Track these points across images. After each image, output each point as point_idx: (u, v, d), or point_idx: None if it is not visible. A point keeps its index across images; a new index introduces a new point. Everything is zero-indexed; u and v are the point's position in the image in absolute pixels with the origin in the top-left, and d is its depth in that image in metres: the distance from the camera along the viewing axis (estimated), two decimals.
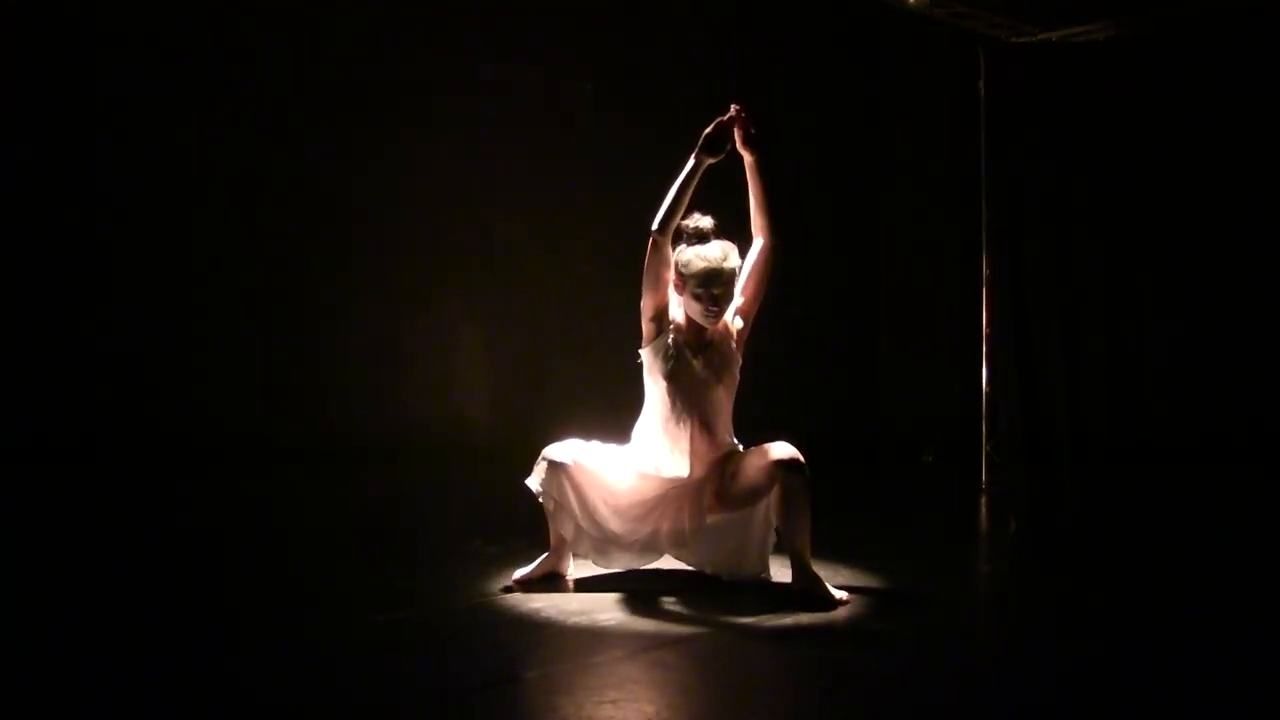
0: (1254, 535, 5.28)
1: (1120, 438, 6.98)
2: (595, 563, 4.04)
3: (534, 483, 3.93)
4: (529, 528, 4.74)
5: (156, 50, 5.79)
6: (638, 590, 3.93)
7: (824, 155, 7.83)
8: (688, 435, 3.91)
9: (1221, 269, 6.75)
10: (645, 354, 3.95)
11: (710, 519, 3.95)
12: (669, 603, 3.80)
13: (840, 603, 3.77)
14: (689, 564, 4.13)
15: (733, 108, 3.89)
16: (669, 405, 3.91)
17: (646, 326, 3.93)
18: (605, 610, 3.71)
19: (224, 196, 5.99)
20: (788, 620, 3.67)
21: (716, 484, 3.95)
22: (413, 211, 6.38)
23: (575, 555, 4.02)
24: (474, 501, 5.94)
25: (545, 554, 4.03)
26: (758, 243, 3.95)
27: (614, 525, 3.93)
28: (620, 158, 6.68)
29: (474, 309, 6.61)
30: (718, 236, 3.91)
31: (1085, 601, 4.05)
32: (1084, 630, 3.65)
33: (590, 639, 3.44)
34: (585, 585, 3.99)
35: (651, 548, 4.00)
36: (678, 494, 3.93)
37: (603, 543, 3.96)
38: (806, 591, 3.79)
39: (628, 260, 6.34)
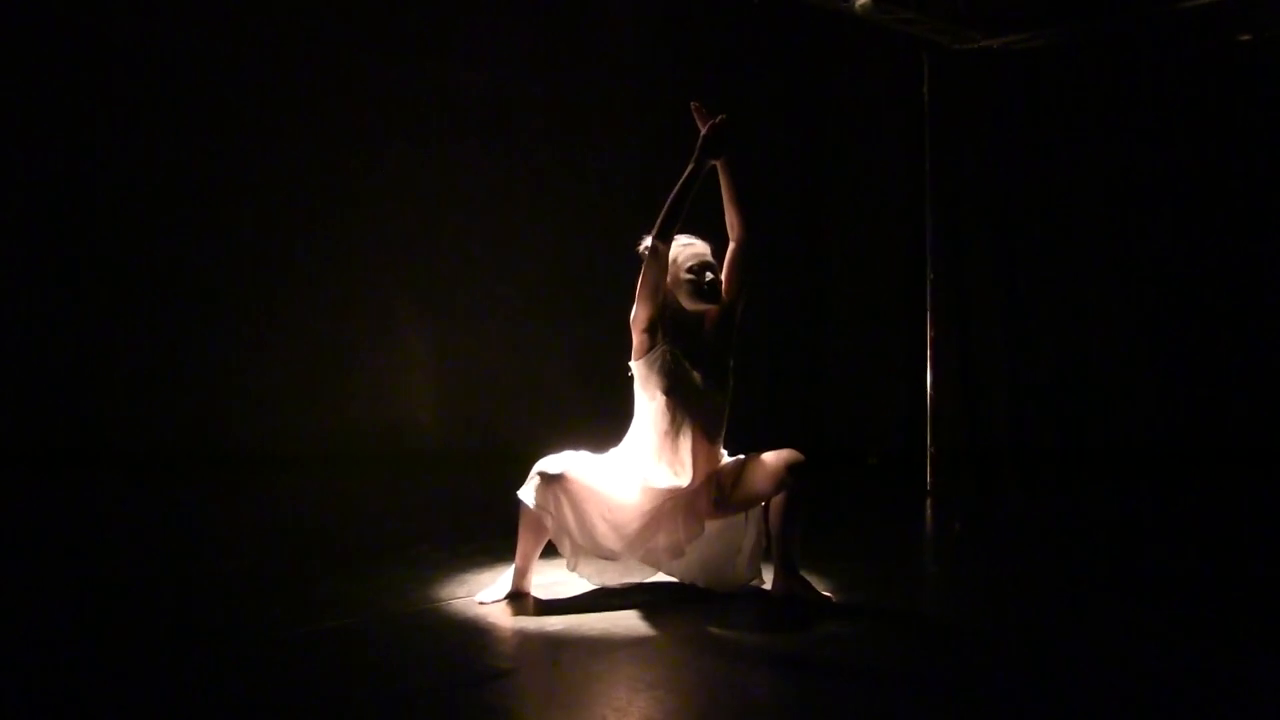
0: (1193, 534, 5.38)
1: (1062, 439, 7.07)
2: (591, 581, 3.97)
3: (528, 497, 3.79)
4: (476, 533, 4.72)
5: (101, 53, 5.69)
6: (588, 596, 3.92)
7: (767, 160, 7.86)
8: (689, 445, 3.85)
9: (1167, 273, 6.85)
10: (638, 367, 3.89)
11: (706, 527, 3.92)
12: (618, 607, 3.78)
13: (830, 602, 3.80)
14: (681, 578, 4.06)
15: (693, 106, 3.89)
16: (668, 418, 3.85)
17: (639, 338, 3.87)
18: (553, 615, 3.69)
19: (172, 200, 5.89)
20: (738, 622, 3.68)
21: (714, 492, 3.92)
22: (361, 215, 6.32)
23: (573, 572, 3.91)
24: (420, 507, 5.89)
25: (510, 573, 3.91)
26: (732, 242, 3.96)
27: (611, 542, 3.82)
28: (568, 163, 6.67)
29: (421, 313, 6.56)
30: (680, 231, 3.93)
31: (1030, 601, 4.10)
32: (1029, 630, 3.69)
33: (539, 644, 3.43)
34: (542, 597, 3.92)
35: (648, 562, 3.96)
36: (674, 506, 3.87)
37: (600, 561, 3.90)
38: (795, 593, 3.82)
39: (575, 264, 6.34)
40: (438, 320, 6.53)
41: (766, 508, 3.90)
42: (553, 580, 4.05)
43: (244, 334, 5.88)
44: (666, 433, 3.86)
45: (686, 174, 3.79)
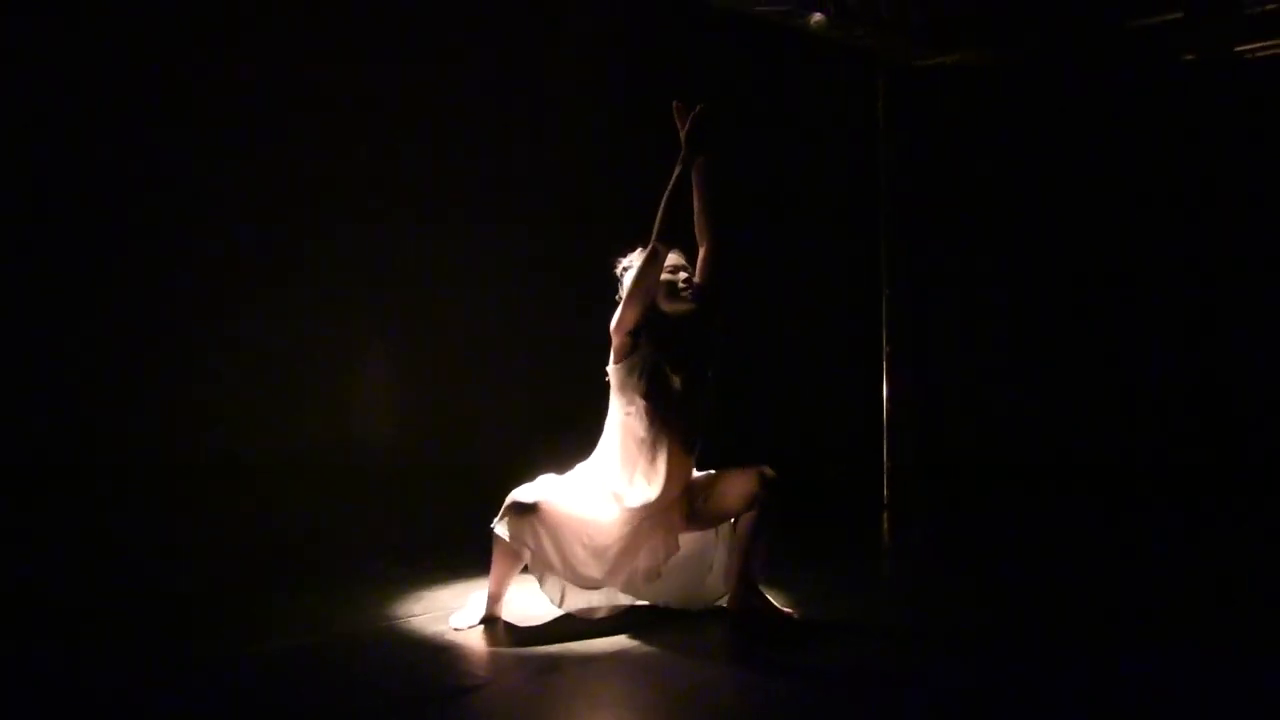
0: (1144, 548, 5.44)
1: (1019, 453, 7.12)
2: (580, 614, 3.86)
3: (503, 531, 3.65)
4: (433, 551, 4.69)
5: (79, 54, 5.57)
6: (552, 617, 3.89)
7: (723, 175, 7.86)
8: (665, 454, 3.76)
9: (1125, 287, 6.89)
10: (616, 371, 3.80)
11: (680, 544, 3.87)
12: (580, 626, 3.76)
13: (790, 618, 3.80)
14: (653, 601, 3.98)
15: (674, 106, 3.87)
16: (645, 424, 3.77)
17: (620, 341, 3.78)
18: (516, 633, 3.67)
19: (114, 200, 5.77)
20: (699, 638, 3.68)
21: (685, 506, 3.87)
22: (313, 224, 6.25)
23: (559, 608, 3.83)
24: (377, 525, 5.83)
25: (484, 598, 3.82)
26: (702, 248, 3.94)
27: (593, 569, 3.74)
28: (526, 174, 6.65)
29: (378, 326, 6.50)
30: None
31: (987, 612, 4.13)
32: (986, 640, 3.71)
33: (501, 662, 3.41)
34: (507, 618, 3.86)
35: (629, 590, 3.89)
36: (651, 524, 3.80)
37: (584, 593, 3.83)
38: (755, 609, 3.80)
39: (535, 276, 6.32)
40: (399, 330, 6.48)
41: (734, 522, 3.88)
42: (514, 597, 4.02)
43: (201, 344, 5.78)
44: (643, 440, 3.77)
45: (676, 173, 3.77)
